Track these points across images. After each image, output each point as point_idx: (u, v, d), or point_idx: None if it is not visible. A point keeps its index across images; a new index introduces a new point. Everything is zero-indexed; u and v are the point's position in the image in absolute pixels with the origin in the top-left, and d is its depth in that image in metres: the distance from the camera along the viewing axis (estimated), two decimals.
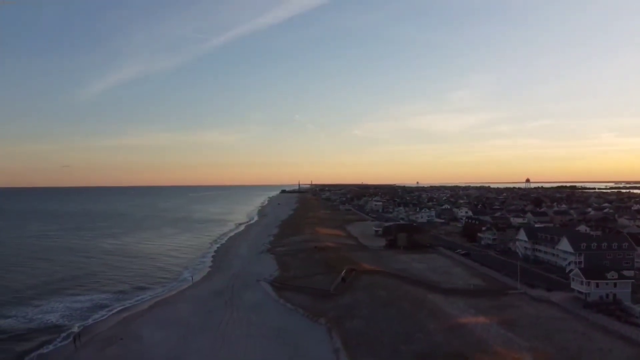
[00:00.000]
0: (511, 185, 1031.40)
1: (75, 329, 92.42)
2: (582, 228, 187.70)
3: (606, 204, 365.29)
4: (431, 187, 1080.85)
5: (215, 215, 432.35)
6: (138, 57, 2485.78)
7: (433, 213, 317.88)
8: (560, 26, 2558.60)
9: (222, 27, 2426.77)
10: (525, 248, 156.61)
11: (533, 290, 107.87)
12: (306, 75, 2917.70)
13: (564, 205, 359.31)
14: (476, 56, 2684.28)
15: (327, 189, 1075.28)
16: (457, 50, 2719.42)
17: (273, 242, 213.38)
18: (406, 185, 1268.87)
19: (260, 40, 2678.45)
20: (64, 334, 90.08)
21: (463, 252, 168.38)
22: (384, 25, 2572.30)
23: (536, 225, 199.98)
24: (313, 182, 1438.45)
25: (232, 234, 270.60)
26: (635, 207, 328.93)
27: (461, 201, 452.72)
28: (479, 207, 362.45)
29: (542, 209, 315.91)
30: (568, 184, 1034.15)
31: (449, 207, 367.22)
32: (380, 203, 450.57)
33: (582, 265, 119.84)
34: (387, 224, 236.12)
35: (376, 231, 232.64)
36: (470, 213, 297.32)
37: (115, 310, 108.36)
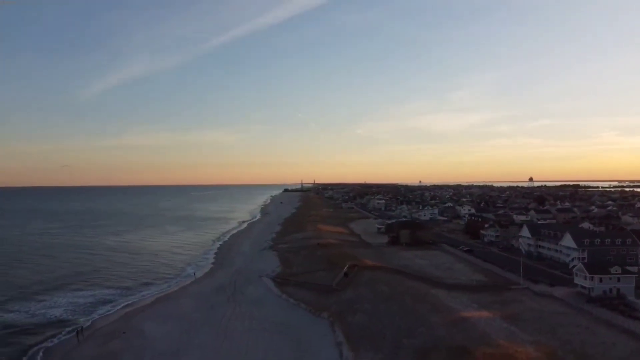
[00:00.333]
0: (514, 184, 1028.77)
1: (78, 324, 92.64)
2: (586, 225, 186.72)
3: (610, 202, 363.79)
4: (434, 186, 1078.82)
5: (217, 214, 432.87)
6: (139, 57, 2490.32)
7: (436, 211, 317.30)
8: (562, 25, 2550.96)
9: (223, 27, 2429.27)
10: (529, 245, 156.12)
11: (536, 286, 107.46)
12: (308, 75, 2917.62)
13: (567, 203, 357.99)
14: (477, 55, 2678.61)
15: (329, 188, 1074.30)
16: (458, 49, 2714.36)
17: (275, 239, 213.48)
18: (409, 184, 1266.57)
19: (261, 40, 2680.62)
20: (67, 329, 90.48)
21: (466, 248, 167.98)
22: (385, 24, 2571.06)
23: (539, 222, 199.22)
24: (316, 182, 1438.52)
25: (234, 231, 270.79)
26: (639, 204, 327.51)
27: (464, 199, 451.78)
28: (481, 205, 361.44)
29: (546, 207, 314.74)
30: (571, 183, 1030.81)
31: (451, 205, 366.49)
32: (383, 201, 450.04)
33: (586, 261, 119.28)
34: (389, 222, 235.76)
35: (379, 228, 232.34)
36: (473, 211, 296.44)
37: (118, 306, 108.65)
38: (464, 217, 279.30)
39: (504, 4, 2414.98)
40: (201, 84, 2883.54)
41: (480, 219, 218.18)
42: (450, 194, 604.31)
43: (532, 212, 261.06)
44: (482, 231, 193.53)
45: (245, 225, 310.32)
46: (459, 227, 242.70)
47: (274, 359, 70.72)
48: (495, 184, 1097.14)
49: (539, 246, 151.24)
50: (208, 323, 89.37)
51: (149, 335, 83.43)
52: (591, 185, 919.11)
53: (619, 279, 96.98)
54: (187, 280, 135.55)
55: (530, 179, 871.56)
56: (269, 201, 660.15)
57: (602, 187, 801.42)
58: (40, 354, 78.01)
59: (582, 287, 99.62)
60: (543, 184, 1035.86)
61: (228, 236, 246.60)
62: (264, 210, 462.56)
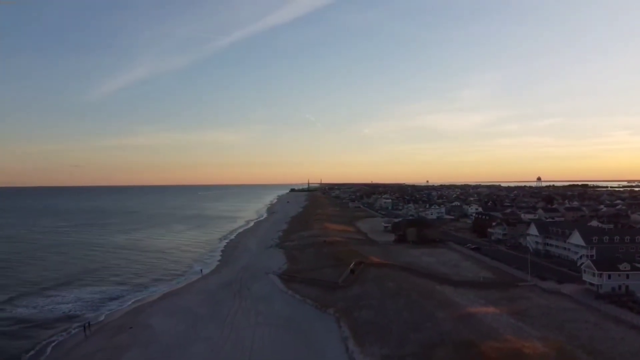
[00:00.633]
0: (522, 184, 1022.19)
1: (86, 319, 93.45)
2: (594, 224, 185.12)
3: (619, 201, 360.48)
4: (441, 185, 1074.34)
5: (224, 213, 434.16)
6: (146, 57, 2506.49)
7: (443, 210, 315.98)
8: (569, 22, 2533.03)
9: (227, 28, 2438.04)
10: (536, 242, 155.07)
11: (544, 283, 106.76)
12: (314, 74, 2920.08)
13: (575, 203, 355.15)
14: (483, 54, 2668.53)
15: (336, 187, 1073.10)
16: (463, 48, 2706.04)
17: (282, 237, 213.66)
18: (416, 184, 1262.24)
19: (267, 40, 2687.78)
20: (76, 324, 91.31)
21: (473, 246, 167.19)
22: (390, 24, 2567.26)
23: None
24: (322, 182, 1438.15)
25: (241, 230, 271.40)
26: None
27: (471, 199, 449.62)
28: (489, 204, 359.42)
29: (554, 206, 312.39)
30: (580, 183, 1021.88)
31: (458, 204, 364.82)
32: (390, 200, 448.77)
33: (594, 258, 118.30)
34: (396, 220, 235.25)
35: (385, 227, 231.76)
36: (480, 209, 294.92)
37: (125, 302, 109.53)
38: (471, 215, 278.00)
39: (509, 3, 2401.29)
40: (206, 85, 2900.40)
41: (487, 217, 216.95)
42: (458, 193, 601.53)
43: (540, 211, 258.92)
44: (489, 229, 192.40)
45: (252, 223, 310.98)
46: (466, 226, 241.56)
47: (280, 353, 70.70)
48: (502, 184, 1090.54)
49: (547, 244, 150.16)
50: (214, 318, 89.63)
51: (156, 329, 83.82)
52: (600, 185, 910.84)
53: (627, 276, 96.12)
54: (193, 277, 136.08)
55: (538, 179, 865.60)
56: (275, 200, 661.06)
57: (611, 187, 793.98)
58: (50, 347, 78.89)
59: (591, 284, 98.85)
60: (551, 183, 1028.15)
61: (235, 234, 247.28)
62: (271, 209, 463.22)
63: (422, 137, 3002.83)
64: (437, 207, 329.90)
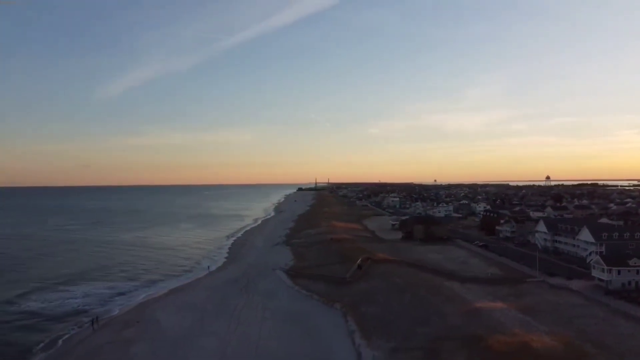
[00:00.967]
0: (530, 184, 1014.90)
1: (95, 314, 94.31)
2: (604, 221, 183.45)
3: (629, 199, 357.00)
4: (449, 185, 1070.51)
5: (231, 211, 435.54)
6: (154, 57, 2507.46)
7: (451, 208, 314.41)
8: (577, 20, 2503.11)
9: (235, 27, 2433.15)
10: (545, 240, 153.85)
11: (552, 279, 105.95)
12: (320, 74, 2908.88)
13: (585, 201, 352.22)
14: (490, 53, 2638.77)
15: (343, 187, 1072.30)
16: (471, 46, 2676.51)
17: (289, 234, 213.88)
18: (423, 183, 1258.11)
19: (273, 40, 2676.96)
20: (86, 318, 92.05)
21: (481, 244, 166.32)
22: (396, 23, 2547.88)
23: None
24: (330, 181, 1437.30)
25: (248, 228, 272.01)
26: None
27: (479, 197, 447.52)
28: (497, 202, 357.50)
29: (563, 204, 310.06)
30: (589, 182, 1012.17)
31: (466, 202, 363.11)
32: (398, 199, 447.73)
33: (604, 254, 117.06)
34: (403, 218, 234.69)
35: (393, 225, 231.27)
36: (488, 208, 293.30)
37: (133, 297, 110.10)
38: (479, 214, 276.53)
39: (516, 1, 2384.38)
40: (213, 85, 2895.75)
41: (495, 215, 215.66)
42: (466, 192, 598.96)
43: (548, 209, 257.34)
44: (497, 227, 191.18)
45: (259, 222, 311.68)
46: (473, 224, 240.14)
47: (286, 347, 70.74)
48: (511, 183, 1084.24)
49: (556, 241, 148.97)
50: (221, 312, 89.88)
51: (162, 324, 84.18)
52: (610, 184, 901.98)
53: (638, 272, 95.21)
54: (201, 273, 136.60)
55: (547, 178, 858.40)
56: (282, 199, 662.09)
57: (621, 186, 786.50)
58: (61, 340, 79.84)
59: (600, 279, 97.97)
60: (560, 183, 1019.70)
61: (242, 232, 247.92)
62: (278, 208, 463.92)
63: (429, 136, 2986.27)
64: (445, 205, 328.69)
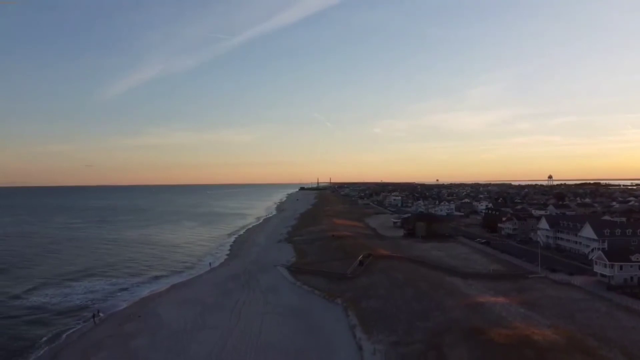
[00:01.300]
0: (533, 183, 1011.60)
1: (98, 308, 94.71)
2: (606, 218, 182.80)
3: (631, 198, 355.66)
4: (451, 184, 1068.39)
5: (234, 210, 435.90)
6: (157, 57, 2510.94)
7: (452, 206, 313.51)
8: (580, 20, 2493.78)
9: (238, 28, 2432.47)
10: (547, 237, 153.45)
11: (554, 275, 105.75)
12: (323, 73, 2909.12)
13: (587, 199, 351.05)
14: (494, 52, 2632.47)
15: (345, 186, 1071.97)
16: (474, 46, 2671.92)
17: (291, 232, 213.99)
18: (425, 183, 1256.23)
19: (276, 40, 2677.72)
20: (89, 313, 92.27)
21: (483, 241, 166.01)
22: (400, 22, 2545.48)
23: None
24: (332, 181, 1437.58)
25: (250, 226, 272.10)
26: None
27: (481, 196, 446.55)
28: (499, 200, 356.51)
29: (565, 203, 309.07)
30: (592, 181, 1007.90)
31: (468, 201, 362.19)
32: (399, 198, 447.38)
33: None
34: (405, 215, 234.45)
35: (394, 223, 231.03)
36: (490, 206, 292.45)
37: (135, 292, 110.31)
38: (481, 212, 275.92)
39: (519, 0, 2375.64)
40: (216, 84, 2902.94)
41: (497, 213, 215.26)
42: (468, 191, 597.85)
43: (550, 207, 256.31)
44: (499, 224, 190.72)
45: (261, 220, 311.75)
46: (475, 222, 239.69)
47: (287, 340, 70.76)
48: (513, 183, 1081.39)
49: (558, 238, 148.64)
50: (222, 307, 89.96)
51: (164, 318, 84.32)
52: (613, 184, 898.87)
53: None
54: (203, 269, 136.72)
55: (550, 177, 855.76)
56: (284, 198, 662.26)
57: (623, 185, 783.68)
58: (65, 334, 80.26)
59: (602, 275, 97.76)
60: (563, 182, 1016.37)
61: (244, 230, 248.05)
62: (280, 207, 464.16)
63: (432, 136, 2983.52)
64: (446, 203, 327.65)
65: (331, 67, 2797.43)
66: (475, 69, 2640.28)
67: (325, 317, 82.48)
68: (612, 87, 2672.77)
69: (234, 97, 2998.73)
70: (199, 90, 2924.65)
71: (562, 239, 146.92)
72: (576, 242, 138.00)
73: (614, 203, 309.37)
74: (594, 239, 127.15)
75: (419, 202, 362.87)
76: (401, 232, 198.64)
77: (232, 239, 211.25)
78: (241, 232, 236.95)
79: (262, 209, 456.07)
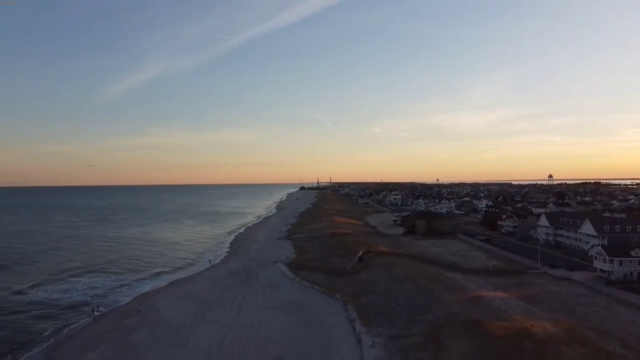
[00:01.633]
0: (533, 182, 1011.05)
1: (98, 304, 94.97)
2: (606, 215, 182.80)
3: (632, 197, 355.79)
4: (451, 184, 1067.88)
5: (234, 209, 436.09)
6: (157, 57, 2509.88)
7: (453, 205, 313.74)
8: (581, 19, 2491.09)
9: (239, 27, 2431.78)
10: (547, 234, 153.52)
11: (554, 270, 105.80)
12: (324, 73, 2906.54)
13: (588, 198, 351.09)
14: (495, 52, 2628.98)
15: (346, 186, 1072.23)
16: (475, 45, 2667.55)
17: (291, 230, 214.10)
18: (426, 182, 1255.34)
19: (277, 40, 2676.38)
20: (90, 308, 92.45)
21: (483, 238, 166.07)
22: (400, 22, 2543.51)
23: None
24: (332, 180, 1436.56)
25: (250, 224, 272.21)
26: None
27: (481, 195, 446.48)
28: (499, 199, 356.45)
29: (565, 201, 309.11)
30: (592, 181, 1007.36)
31: (469, 199, 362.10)
32: (400, 196, 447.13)
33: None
34: (405, 214, 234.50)
35: (394, 221, 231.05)
36: (490, 204, 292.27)
37: (134, 288, 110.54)
38: (481, 211, 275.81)
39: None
40: (216, 85, 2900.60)
41: (497, 211, 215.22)
42: (468, 190, 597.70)
43: (551, 205, 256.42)
44: (499, 222, 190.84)
45: (261, 219, 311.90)
46: (476, 220, 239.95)
47: (287, 333, 70.83)
48: (513, 182, 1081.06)
49: (558, 234, 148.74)
50: (222, 302, 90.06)
51: (164, 312, 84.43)
52: (613, 183, 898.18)
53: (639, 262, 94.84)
54: (203, 266, 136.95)
55: (550, 176, 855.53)
56: (285, 198, 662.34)
57: (624, 184, 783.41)
58: (66, 329, 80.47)
59: (602, 270, 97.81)
60: (563, 181, 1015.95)
61: (244, 228, 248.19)
62: (280, 206, 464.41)
63: (433, 135, 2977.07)
64: (447, 202, 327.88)
65: (331, 67, 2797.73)
66: (476, 69, 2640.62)
67: (324, 311, 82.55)
68: (612, 87, 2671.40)
69: (234, 97, 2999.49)
70: (199, 90, 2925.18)
71: (562, 235, 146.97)
72: (576, 239, 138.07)
73: (614, 201, 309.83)
74: (593, 236, 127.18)
75: (419, 200, 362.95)
76: (401, 230, 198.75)
77: (232, 236, 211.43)
78: (241, 230, 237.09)
79: (262, 208, 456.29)
